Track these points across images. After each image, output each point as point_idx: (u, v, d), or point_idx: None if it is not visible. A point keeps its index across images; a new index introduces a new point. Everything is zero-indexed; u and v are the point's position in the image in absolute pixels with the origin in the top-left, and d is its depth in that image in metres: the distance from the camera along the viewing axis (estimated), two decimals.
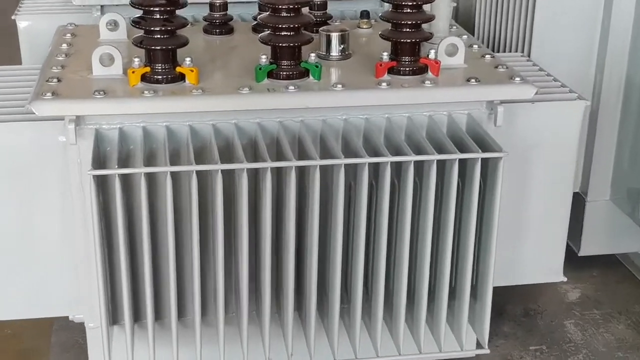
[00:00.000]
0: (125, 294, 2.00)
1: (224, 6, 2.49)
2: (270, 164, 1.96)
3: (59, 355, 2.53)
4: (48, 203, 2.12)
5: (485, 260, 2.13)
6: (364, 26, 2.55)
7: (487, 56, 2.33)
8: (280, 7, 2.08)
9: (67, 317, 2.34)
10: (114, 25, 2.40)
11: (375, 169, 2.06)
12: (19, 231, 2.14)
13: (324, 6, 2.52)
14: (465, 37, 2.49)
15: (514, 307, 2.83)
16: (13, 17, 2.93)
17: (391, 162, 2.00)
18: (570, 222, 2.94)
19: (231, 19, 2.51)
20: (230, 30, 2.50)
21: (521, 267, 2.43)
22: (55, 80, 2.08)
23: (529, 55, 2.72)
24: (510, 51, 2.86)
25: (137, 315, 2.11)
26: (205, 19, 2.51)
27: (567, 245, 2.97)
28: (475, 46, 2.41)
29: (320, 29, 2.31)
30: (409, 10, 2.13)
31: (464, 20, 3.27)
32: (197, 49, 2.32)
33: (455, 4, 3.15)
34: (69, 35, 2.44)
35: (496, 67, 2.25)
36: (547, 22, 2.68)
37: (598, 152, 2.81)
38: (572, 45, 2.73)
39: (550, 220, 2.39)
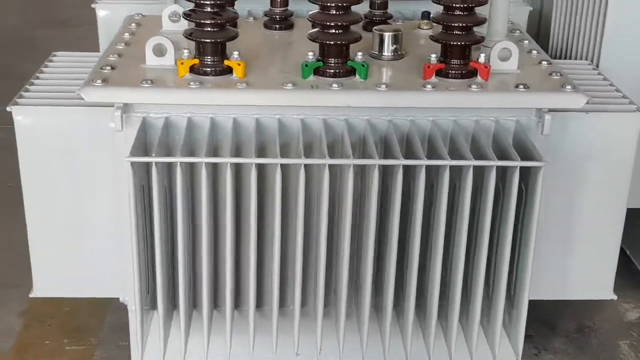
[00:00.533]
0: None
1: (285, 2, 2.51)
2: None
3: (109, 335, 2.61)
4: (101, 187, 2.19)
5: (522, 270, 2.09)
6: (424, 27, 2.52)
7: (543, 62, 2.28)
8: (328, 4, 2.09)
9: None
10: (177, 17, 2.45)
11: (411, 172, 2.04)
12: (73, 212, 2.22)
13: (384, 5, 2.51)
14: (526, 42, 2.44)
15: (568, 322, 2.76)
16: (93, 6, 3.03)
17: (426, 166, 1.98)
18: (633, 239, 2.86)
19: (291, 14, 2.53)
20: (290, 26, 2.52)
21: (570, 282, 2.37)
22: (108, 68, 2.14)
23: (597, 65, 2.64)
24: (582, 59, 2.79)
25: (175, 303, 2.16)
26: (265, 14, 2.54)
27: (631, 264, 2.89)
28: (535, 52, 2.36)
29: (374, 28, 2.30)
30: (459, 13, 2.11)
31: (546, 25, 3.21)
32: (252, 44, 2.36)
33: (531, 9, 3.09)
34: (134, 25, 2.52)
35: (550, 74, 2.20)
36: (617, 31, 2.60)
37: None
38: None
39: (602, 236, 2.32)
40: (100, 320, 2.68)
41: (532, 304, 2.60)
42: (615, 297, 2.39)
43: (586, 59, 2.73)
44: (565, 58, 2.94)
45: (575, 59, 2.82)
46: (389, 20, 2.52)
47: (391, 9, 2.55)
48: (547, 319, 2.75)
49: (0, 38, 5.56)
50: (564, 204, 2.27)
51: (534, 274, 2.29)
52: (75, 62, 2.44)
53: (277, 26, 2.51)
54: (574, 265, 2.35)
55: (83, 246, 2.26)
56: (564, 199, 2.27)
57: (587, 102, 2.10)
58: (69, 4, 2.84)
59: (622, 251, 2.99)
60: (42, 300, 2.70)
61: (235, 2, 2.52)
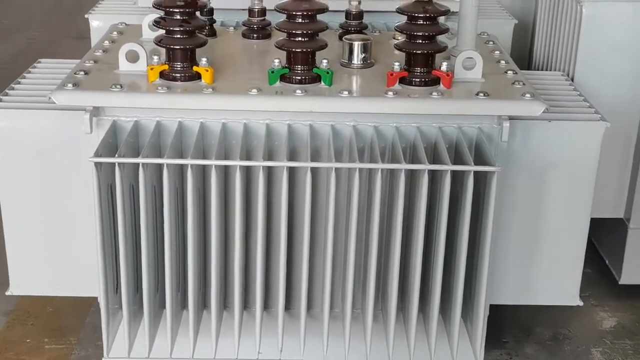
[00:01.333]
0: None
1: (262, 12, 2.58)
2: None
3: (88, 335, 2.68)
4: (76, 188, 2.26)
5: (479, 275, 2.12)
6: (399, 38, 2.57)
7: (509, 72, 2.32)
8: (294, 13, 2.16)
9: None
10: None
11: (372, 176, 2.09)
12: (49, 212, 2.30)
13: (359, 16, 2.57)
14: (497, 52, 2.49)
15: (544, 329, 2.78)
16: (86, 16, 3.12)
17: (383, 170, 2.03)
18: (613, 249, 2.89)
19: (269, 24, 2.59)
20: (267, 35, 2.59)
21: (536, 288, 2.40)
22: (82, 73, 2.22)
23: (573, 76, 2.68)
24: (560, 70, 2.82)
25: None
26: (244, 24, 2.61)
27: (610, 273, 2.91)
28: (503, 62, 2.41)
29: (344, 37, 2.36)
30: (421, 22, 2.16)
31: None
32: (227, 52, 2.43)
33: (516, 22, 3.14)
34: (115, 33, 2.60)
35: (513, 83, 2.24)
36: (590, 44, 2.64)
37: None
38: (618, 67, 2.67)
39: (567, 243, 2.35)
40: (81, 320, 2.75)
41: (510, 311, 2.66)
42: (581, 304, 2.41)
43: (563, 71, 2.77)
44: (546, 69, 2.98)
45: (555, 70, 2.86)
46: (364, 31, 2.58)
47: (367, 19, 2.61)
48: (524, 325, 2.78)
49: (21, 50, 5.71)
50: (529, 210, 2.31)
51: (499, 278, 2.35)
52: (58, 68, 2.51)
53: (255, 35, 2.58)
54: (540, 271, 2.38)
55: (59, 245, 2.33)
56: (528, 206, 2.30)
57: (546, 110, 2.13)
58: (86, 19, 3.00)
59: (602, 261, 3.02)
60: (28, 300, 2.79)
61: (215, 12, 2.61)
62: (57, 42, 5.93)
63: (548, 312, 2.78)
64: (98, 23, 3.09)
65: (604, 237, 3.02)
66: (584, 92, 2.61)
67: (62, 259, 2.35)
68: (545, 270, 2.37)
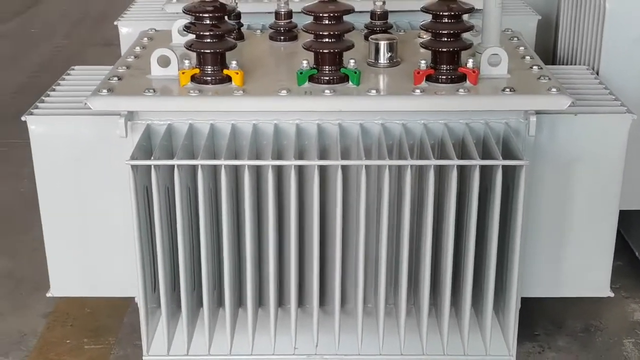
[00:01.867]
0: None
1: (289, 14, 2.62)
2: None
3: (126, 335, 2.74)
4: (113, 190, 2.31)
5: (510, 268, 2.15)
6: (424, 37, 2.61)
7: (535, 67, 2.35)
8: (321, 14, 2.20)
9: None
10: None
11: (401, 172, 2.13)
12: (87, 215, 2.35)
13: (384, 16, 2.61)
14: (522, 48, 2.52)
15: (575, 321, 2.80)
16: (115, 23, 3.18)
17: (412, 166, 2.07)
18: None
19: (295, 26, 2.64)
20: (294, 37, 2.63)
21: (567, 280, 2.42)
22: (115, 78, 2.28)
23: (598, 70, 2.70)
24: (584, 65, 2.84)
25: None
26: (270, 26, 2.65)
27: (637, 264, 2.93)
28: (528, 57, 2.44)
29: (370, 37, 2.40)
30: (446, 20, 2.19)
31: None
32: (256, 54, 2.47)
33: (539, 17, 3.16)
34: (146, 39, 2.66)
35: (539, 78, 2.27)
36: (615, 38, 2.66)
37: None
38: None
39: (596, 235, 2.37)
40: (119, 321, 2.81)
41: (541, 304, 2.68)
42: (612, 295, 2.43)
43: (588, 65, 2.79)
44: (570, 64, 3.00)
45: (579, 64, 2.88)
46: (389, 30, 2.62)
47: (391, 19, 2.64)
48: (556, 318, 2.81)
49: (50, 58, 5.81)
50: (557, 204, 2.33)
51: (529, 271, 2.37)
52: (91, 75, 2.57)
53: (282, 37, 2.62)
54: (569, 264, 2.40)
55: (98, 248, 2.39)
56: (556, 199, 2.33)
57: (572, 104, 2.16)
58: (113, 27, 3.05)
59: (632, 253, 3.03)
60: (66, 302, 2.86)
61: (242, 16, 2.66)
62: (84, 50, 6.01)
63: (579, 304, 2.79)
64: (127, 30, 3.15)
65: (634, 229, 3.04)
66: (610, 85, 2.63)
67: (100, 262, 2.41)
68: (575, 262, 2.39)
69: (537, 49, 3.24)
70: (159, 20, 3.15)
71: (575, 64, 2.95)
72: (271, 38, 2.64)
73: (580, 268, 2.40)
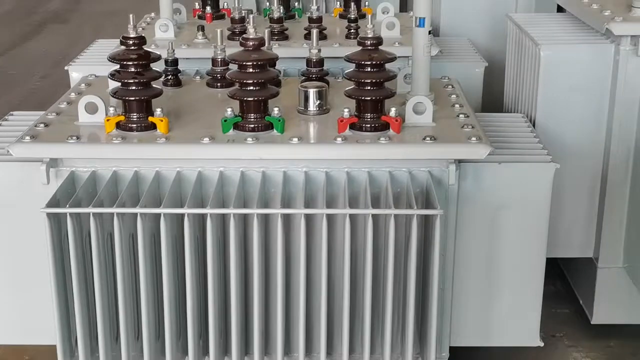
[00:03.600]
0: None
1: (225, 61, 2.64)
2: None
3: None
4: (35, 237, 2.31)
5: (428, 316, 2.14)
6: None
7: (461, 116, 2.36)
8: (244, 63, 2.22)
9: None
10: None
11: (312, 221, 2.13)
12: (15, 262, 2.35)
13: (320, 63, 2.63)
14: (454, 96, 2.53)
15: None
16: (66, 68, 3.20)
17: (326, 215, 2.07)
18: (585, 289, 2.90)
19: None
20: (231, 84, 2.63)
21: (495, 329, 2.41)
22: (42, 125, 2.29)
23: (534, 118, 2.72)
24: (526, 113, 2.87)
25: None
26: (208, 73, 2.67)
27: (585, 313, 2.91)
28: (458, 105, 2.45)
29: (299, 85, 2.42)
30: (368, 70, 2.21)
31: None
32: (189, 101, 2.49)
33: (486, 64, 3.18)
34: (83, 85, 2.67)
35: (463, 126, 2.28)
36: (551, 85, 2.69)
37: (608, 217, 2.75)
38: (579, 109, 2.72)
39: (524, 283, 2.36)
40: None
41: (484, 352, 2.66)
42: (541, 344, 2.42)
43: (527, 113, 2.81)
44: (513, 111, 3.02)
45: (520, 111, 2.90)
46: (325, 77, 2.63)
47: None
48: None
49: (24, 100, 5.83)
50: (485, 252, 2.33)
51: (459, 320, 2.36)
52: (28, 120, 2.58)
53: (219, 84, 2.64)
54: (498, 312, 2.39)
55: (32, 295, 2.37)
56: (484, 247, 2.33)
57: (492, 152, 2.17)
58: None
59: (577, 302, 3.02)
60: (4, 350, 2.84)
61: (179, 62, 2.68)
62: (58, 90, 6.03)
63: (523, 352, 2.78)
64: (77, 74, 3.17)
65: (578, 277, 3.03)
66: (547, 133, 2.66)
67: (35, 309, 2.39)
68: (504, 311, 2.39)
69: (489, 96, 3.27)
70: (109, 65, 3.17)
71: (517, 111, 2.97)
72: (209, 85, 2.66)
73: (509, 316, 2.39)
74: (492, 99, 3.42)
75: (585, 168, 2.76)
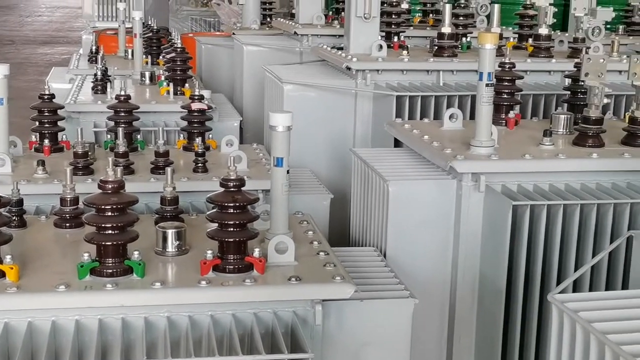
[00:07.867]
0: None
1: (75, 200, 2.55)
2: None
3: None
4: None
5: None
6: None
7: (321, 253, 2.38)
8: (102, 207, 2.15)
9: None
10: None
11: None
12: None
13: (175, 201, 2.58)
14: (310, 232, 2.55)
15: None
16: None
17: None
18: None
19: (82, 212, 2.56)
20: (80, 224, 2.54)
21: None
22: None
23: (385, 251, 2.79)
24: (375, 246, 2.93)
25: None
26: (55, 213, 2.56)
27: None
28: (316, 242, 2.47)
29: (157, 225, 2.36)
30: (231, 211, 2.20)
31: None
32: (37, 244, 2.37)
33: (332, 196, 3.25)
34: None
35: (325, 265, 2.29)
36: (400, 219, 2.77)
37: (457, 346, 2.83)
38: (427, 242, 2.81)
39: None
40: None
41: None
42: None
43: (377, 246, 2.88)
44: (361, 244, 3.09)
45: (369, 245, 2.97)
46: (180, 215, 2.59)
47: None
48: None
49: None
50: None
51: None
52: None
53: (68, 225, 2.54)
54: None
55: None
56: None
57: (356, 291, 2.19)
58: None
59: None
60: None
61: None
62: None
63: None
64: None
65: None
66: (397, 266, 2.72)
67: None
68: None
69: (334, 227, 3.33)
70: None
71: (365, 244, 3.03)
72: (56, 225, 2.55)
73: None
74: (334, 229, 3.48)
75: (435, 302, 2.84)
